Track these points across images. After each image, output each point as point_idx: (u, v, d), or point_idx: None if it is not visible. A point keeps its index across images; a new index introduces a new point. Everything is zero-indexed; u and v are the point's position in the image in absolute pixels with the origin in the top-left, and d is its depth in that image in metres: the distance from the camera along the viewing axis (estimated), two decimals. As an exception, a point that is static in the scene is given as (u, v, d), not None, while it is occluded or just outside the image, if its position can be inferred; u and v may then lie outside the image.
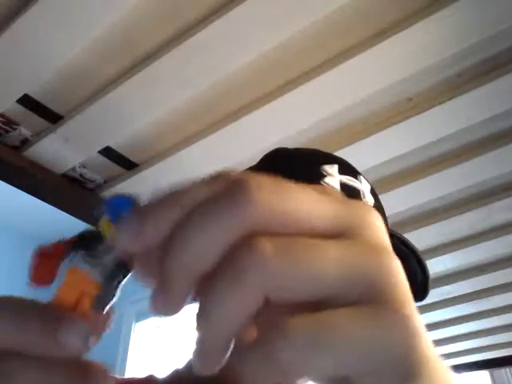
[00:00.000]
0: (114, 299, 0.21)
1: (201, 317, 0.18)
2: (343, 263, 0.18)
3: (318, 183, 0.48)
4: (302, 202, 0.18)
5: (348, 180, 0.51)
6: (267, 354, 0.17)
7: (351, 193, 0.49)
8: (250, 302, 0.17)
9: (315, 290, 0.17)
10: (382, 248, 0.19)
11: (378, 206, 0.53)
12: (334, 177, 0.50)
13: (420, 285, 0.51)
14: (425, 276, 0.51)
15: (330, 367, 0.17)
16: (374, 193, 0.54)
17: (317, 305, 0.18)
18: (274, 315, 0.18)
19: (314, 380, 0.19)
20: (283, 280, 0.17)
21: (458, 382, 0.20)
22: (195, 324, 0.18)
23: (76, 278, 0.21)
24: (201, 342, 0.18)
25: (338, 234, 0.19)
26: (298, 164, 0.52)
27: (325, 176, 0.49)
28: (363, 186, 0.53)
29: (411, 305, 0.18)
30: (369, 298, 0.18)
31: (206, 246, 0.17)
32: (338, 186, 0.49)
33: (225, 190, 0.18)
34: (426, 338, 0.18)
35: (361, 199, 0.50)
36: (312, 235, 0.18)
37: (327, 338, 0.16)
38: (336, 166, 0.52)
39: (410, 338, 0.17)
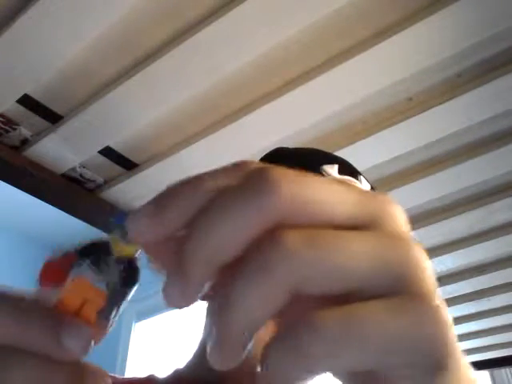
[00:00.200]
0: (120, 311, 0.21)
1: (223, 309, 0.17)
2: (371, 254, 0.17)
3: None
4: (325, 193, 0.18)
5: (348, 180, 0.51)
6: (296, 349, 0.16)
7: None
8: (275, 295, 0.17)
9: (343, 282, 0.17)
10: (407, 239, 0.19)
11: None
12: (334, 177, 0.50)
13: None
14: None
15: (360, 361, 0.16)
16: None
17: (345, 299, 0.17)
18: (302, 310, 0.17)
19: (339, 374, 0.19)
20: (311, 272, 0.17)
21: (477, 376, 0.20)
22: (212, 316, 0.18)
23: (80, 285, 0.21)
24: (221, 336, 0.18)
25: (362, 224, 0.19)
26: (298, 164, 0.52)
27: (324, 176, 0.49)
28: (363, 186, 0.53)
29: (438, 296, 0.18)
30: (397, 289, 0.17)
31: (229, 234, 0.17)
32: None
33: (248, 179, 0.18)
34: (453, 331, 0.18)
35: None
36: (336, 226, 0.18)
37: (358, 331, 0.16)
38: (336, 166, 0.52)
39: (439, 329, 0.17)
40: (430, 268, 0.19)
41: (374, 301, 0.17)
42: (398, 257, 0.18)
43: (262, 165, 0.19)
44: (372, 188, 0.55)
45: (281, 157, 0.57)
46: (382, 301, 0.17)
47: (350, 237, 0.18)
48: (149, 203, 0.19)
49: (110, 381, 0.21)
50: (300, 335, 0.16)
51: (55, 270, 0.21)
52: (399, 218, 0.20)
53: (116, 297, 0.21)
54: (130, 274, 0.21)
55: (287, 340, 0.17)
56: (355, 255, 0.17)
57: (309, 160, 0.54)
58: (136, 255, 0.21)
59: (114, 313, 0.21)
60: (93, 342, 0.20)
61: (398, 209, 0.20)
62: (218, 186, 0.18)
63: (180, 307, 0.19)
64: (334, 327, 0.16)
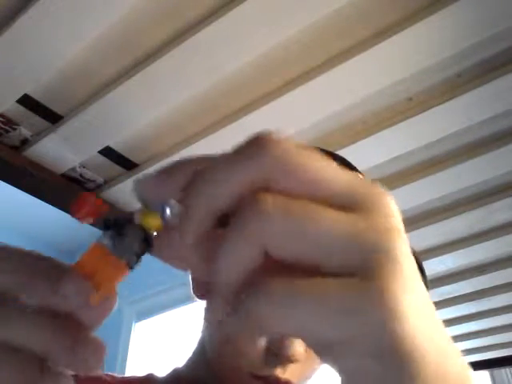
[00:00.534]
0: (135, 264, 0.23)
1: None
2: (343, 232, 0.18)
3: None
4: (319, 166, 0.19)
5: None
6: (245, 309, 0.17)
7: None
8: (247, 251, 0.18)
9: (310, 252, 0.18)
10: (389, 227, 0.19)
11: None
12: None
13: None
14: (423, 275, 0.51)
15: (304, 328, 0.17)
16: None
17: (313, 271, 0.18)
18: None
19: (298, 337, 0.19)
20: (279, 236, 0.18)
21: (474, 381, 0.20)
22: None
23: (100, 252, 0.22)
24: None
25: (348, 205, 0.19)
26: None
27: None
28: None
29: (410, 290, 0.18)
30: (362, 272, 0.17)
31: (221, 186, 0.19)
32: None
33: (245, 142, 0.20)
34: (419, 327, 0.17)
35: None
36: (321, 201, 0.19)
37: (301, 301, 0.17)
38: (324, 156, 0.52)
39: (389, 320, 0.17)
40: (406, 259, 0.18)
41: (331, 278, 0.17)
42: (372, 240, 0.18)
43: (259, 134, 0.20)
44: None
45: None
46: (339, 279, 0.17)
47: (327, 213, 0.18)
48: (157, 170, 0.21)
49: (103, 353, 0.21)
50: (250, 297, 0.18)
51: (91, 204, 0.23)
52: (391, 208, 0.20)
53: (138, 253, 0.22)
54: (145, 244, 0.22)
55: (241, 302, 0.18)
56: (325, 228, 0.18)
57: None
58: (156, 229, 0.22)
59: (131, 261, 0.22)
60: (92, 302, 0.20)
61: (389, 200, 0.20)
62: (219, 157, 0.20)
63: (173, 256, 0.21)
64: (280, 293, 0.17)
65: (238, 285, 0.19)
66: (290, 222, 0.18)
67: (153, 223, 0.22)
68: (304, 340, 0.18)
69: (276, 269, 0.18)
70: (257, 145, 0.19)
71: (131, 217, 0.22)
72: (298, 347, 0.42)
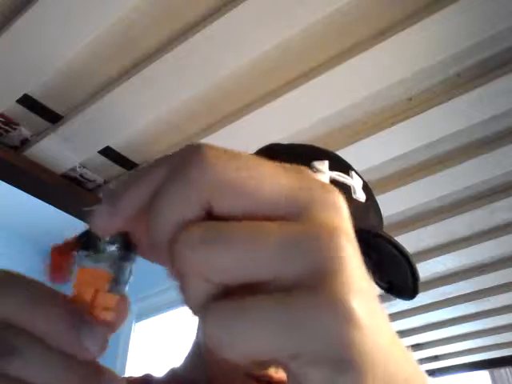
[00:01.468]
0: (129, 281, 0.22)
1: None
2: (282, 243, 0.17)
3: None
4: (256, 173, 0.18)
5: (338, 176, 0.51)
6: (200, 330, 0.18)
7: (341, 189, 0.49)
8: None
9: (249, 270, 0.17)
10: (332, 230, 0.18)
11: (371, 202, 0.53)
12: (323, 173, 0.50)
13: (410, 286, 0.51)
14: (414, 278, 0.51)
15: (254, 348, 0.17)
16: (366, 188, 0.54)
17: (255, 287, 0.18)
18: None
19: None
20: (222, 278, 0.18)
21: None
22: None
23: (86, 275, 0.22)
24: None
25: (292, 212, 0.18)
26: (287, 160, 0.52)
27: (314, 173, 0.49)
28: (354, 181, 0.52)
29: (358, 295, 0.17)
30: (308, 282, 0.17)
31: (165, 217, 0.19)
32: (328, 183, 0.48)
33: (179, 166, 0.19)
34: (371, 333, 0.17)
35: (351, 195, 0.50)
36: (263, 212, 0.18)
37: (248, 322, 0.17)
38: (326, 162, 0.52)
39: (339, 329, 0.17)
40: (352, 263, 0.18)
41: (277, 292, 0.17)
42: (314, 247, 0.17)
43: (193, 149, 0.19)
44: (365, 185, 0.55)
45: (272, 153, 0.57)
46: (284, 293, 0.17)
47: (265, 225, 0.18)
48: (104, 200, 0.20)
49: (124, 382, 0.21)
50: (201, 322, 0.18)
51: (61, 260, 0.22)
52: (336, 208, 0.19)
53: (122, 269, 0.22)
54: (126, 248, 0.22)
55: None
56: (263, 244, 0.17)
57: (298, 156, 0.54)
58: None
59: (124, 287, 0.22)
60: (112, 330, 0.21)
61: (338, 198, 0.20)
62: (158, 176, 0.20)
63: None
64: (227, 316, 0.17)
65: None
66: (226, 248, 0.17)
67: None
68: (258, 358, 0.18)
69: (221, 292, 0.18)
70: (190, 164, 0.19)
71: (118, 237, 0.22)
72: None
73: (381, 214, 0.55)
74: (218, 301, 0.18)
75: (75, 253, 0.22)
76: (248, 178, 0.18)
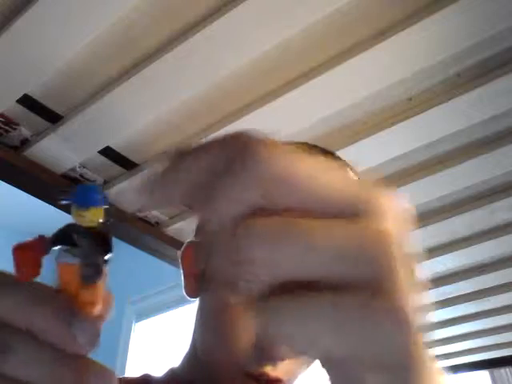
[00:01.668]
0: (104, 275, 0.22)
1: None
2: (348, 243, 0.17)
3: None
4: (313, 169, 0.18)
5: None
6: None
7: None
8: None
9: (307, 266, 0.17)
10: (392, 239, 0.18)
11: None
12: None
13: None
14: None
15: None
16: None
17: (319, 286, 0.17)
18: None
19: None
20: (285, 259, 0.17)
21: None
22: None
23: (68, 271, 0.22)
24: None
25: (349, 212, 0.18)
26: None
27: None
28: None
29: (409, 302, 0.18)
30: (366, 285, 0.17)
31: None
32: None
33: (238, 158, 0.19)
34: (418, 338, 0.18)
35: None
36: (320, 209, 0.18)
37: (312, 318, 0.17)
38: (320, 159, 0.51)
39: (400, 334, 0.17)
40: (406, 269, 0.18)
41: (338, 292, 0.17)
42: (374, 252, 0.17)
43: (249, 141, 0.19)
44: None
45: None
46: (348, 293, 0.17)
47: (330, 227, 0.17)
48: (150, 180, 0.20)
49: (116, 380, 0.21)
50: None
51: (30, 256, 0.22)
52: (390, 212, 0.19)
53: (96, 262, 0.22)
54: (102, 239, 0.22)
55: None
56: (324, 241, 0.17)
57: None
58: (100, 220, 0.22)
59: (98, 277, 0.22)
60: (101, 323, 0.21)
61: (391, 202, 0.20)
62: (209, 162, 0.19)
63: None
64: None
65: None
66: (288, 238, 0.17)
67: (91, 217, 0.22)
68: (312, 355, 0.18)
69: (281, 288, 0.18)
70: (247, 159, 0.18)
71: (73, 224, 0.22)
72: None
73: None
74: (277, 295, 0.17)
75: (46, 249, 0.22)
76: (306, 174, 0.18)
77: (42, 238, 0.22)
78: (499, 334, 2.09)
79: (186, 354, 0.53)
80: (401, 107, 1.07)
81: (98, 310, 0.22)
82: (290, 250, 0.17)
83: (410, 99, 1.05)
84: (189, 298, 0.51)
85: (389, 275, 0.17)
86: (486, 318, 1.96)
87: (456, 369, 2.38)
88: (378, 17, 0.87)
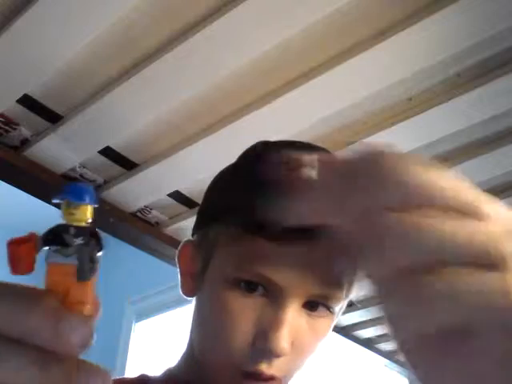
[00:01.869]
0: (95, 272, 0.22)
1: None
2: (477, 237, 0.20)
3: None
4: (440, 183, 0.23)
5: None
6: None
7: None
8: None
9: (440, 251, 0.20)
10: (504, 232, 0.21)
11: None
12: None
13: None
14: None
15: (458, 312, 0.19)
16: None
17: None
18: None
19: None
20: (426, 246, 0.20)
21: None
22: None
23: (57, 271, 0.22)
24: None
25: (469, 213, 0.22)
26: (272, 158, 0.52)
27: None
28: None
29: None
30: (496, 265, 0.20)
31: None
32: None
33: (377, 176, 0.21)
34: None
35: None
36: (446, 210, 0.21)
37: (463, 291, 0.19)
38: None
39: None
40: None
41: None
42: (494, 246, 0.20)
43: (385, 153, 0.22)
44: None
45: (258, 150, 0.56)
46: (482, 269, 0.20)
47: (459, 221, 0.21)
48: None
49: (110, 380, 0.21)
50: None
51: (24, 251, 0.22)
52: (499, 214, 0.22)
53: (87, 259, 0.22)
54: (93, 237, 0.23)
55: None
56: (457, 235, 0.20)
57: (286, 152, 0.53)
58: (90, 218, 0.23)
59: (90, 274, 0.22)
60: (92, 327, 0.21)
61: (499, 207, 0.23)
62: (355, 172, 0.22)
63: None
64: (446, 284, 0.20)
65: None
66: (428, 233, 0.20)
67: (81, 216, 0.22)
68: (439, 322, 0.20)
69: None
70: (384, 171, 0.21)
71: (63, 224, 0.22)
72: (283, 342, 0.43)
73: None
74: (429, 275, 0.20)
75: (38, 247, 0.22)
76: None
77: (34, 235, 0.22)
78: (499, 334, 2.09)
79: (183, 354, 0.53)
80: (401, 107, 1.07)
81: (88, 309, 0.22)
82: (432, 238, 0.20)
83: (410, 99, 1.05)
84: (185, 296, 0.51)
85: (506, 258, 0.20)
86: (485, 318, 1.96)
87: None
88: (378, 17, 0.87)
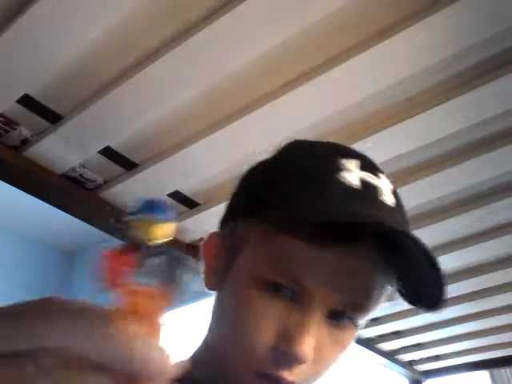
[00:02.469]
0: (186, 285, 0.22)
1: None
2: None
3: (335, 176, 0.47)
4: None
5: (368, 177, 0.48)
6: None
7: (369, 190, 0.48)
8: None
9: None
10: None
11: (399, 208, 0.52)
12: (352, 172, 0.48)
13: (434, 295, 0.49)
14: (440, 287, 0.47)
15: None
16: (395, 194, 0.53)
17: None
18: None
19: None
20: None
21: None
22: None
23: (140, 292, 0.21)
24: None
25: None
26: (314, 157, 0.51)
27: (342, 170, 0.48)
28: (383, 183, 0.51)
29: None
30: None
31: None
32: (357, 182, 0.47)
33: None
34: None
35: (379, 197, 0.48)
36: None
37: None
38: (356, 161, 0.50)
39: None
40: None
41: None
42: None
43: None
44: (395, 190, 0.53)
45: (297, 149, 0.56)
46: None
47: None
48: None
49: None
50: None
51: (119, 266, 0.21)
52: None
53: (175, 278, 0.21)
54: (175, 259, 0.22)
55: None
56: None
57: (326, 153, 0.53)
58: (169, 237, 0.22)
59: (182, 288, 0.22)
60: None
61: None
62: None
63: None
64: None
65: None
66: None
67: (162, 233, 0.21)
68: None
69: None
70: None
71: (143, 241, 0.21)
72: (308, 347, 0.42)
73: (408, 223, 0.53)
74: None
75: (131, 261, 0.21)
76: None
77: (130, 250, 0.21)
78: (499, 334, 2.09)
79: (196, 350, 0.52)
80: (401, 107, 1.07)
81: (162, 330, 0.21)
82: None
83: (410, 99, 1.05)
84: (208, 290, 0.50)
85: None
86: (486, 318, 1.96)
87: (456, 369, 2.38)
88: (378, 17, 0.87)
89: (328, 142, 0.56)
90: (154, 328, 0.20)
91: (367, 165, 0.51)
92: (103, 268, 0.21)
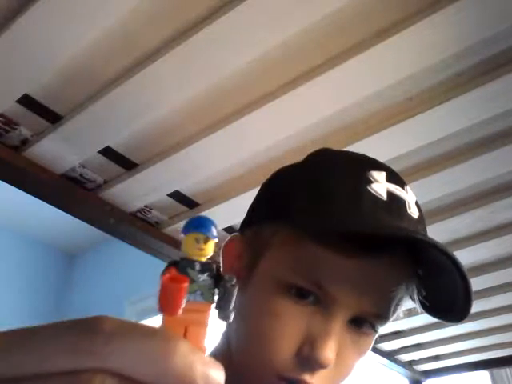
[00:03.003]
0: (233, 301, 0.22)
1: None
2: None
3: (365, 188, 0.47)
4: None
5: (395, 189, 0.49)
6: None
7: (397, 203, 0.48)
8: None
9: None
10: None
11: (421, 220, 0.52)
12: (381, 183, 0.49)
13: (460, 305, 0.49)
14: (467, 296, 0.47)
15: None
16: (417, 205, 0.53)
17: None
18: None
19: None
20: None
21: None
22: None
23: (189, 309, 0.21)
24: None
25: None
26: (344, 167, 0.51)
27: (372, 182, 0.48)
28: (409, 196, 0.51)
29: None
30: None
31: None
32: (384, 194, 0.48)
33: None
34: None
35: (406, 210, 0.49)
36: None
37: None
38: (384, 173, 0.50)
39: None
40: None
41: None
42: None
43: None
44: (417, 202, 0.53)
45: (326, 156, 0.56)
46: None
47: None
48: None
49: None
50: None
51: (177, 295, 0.21)
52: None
53: (221, 300, 0.22)
54: (218, 275, 0.22)
55: None
56: None
57: (355, 164, 0.53)
58: (211, 254, 0.22)
59: (230, 304, 0.22)
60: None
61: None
62: None
63: None
64: None
65: None
66: None
67: (208, 251, 0.21)
68: None
69: None
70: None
71: (188, 259, 0.21)
72: (330, 352, 0.42)
73: (426, 228, 0.53)
74: None
75: (186, 284, 0.21)
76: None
77: (184, 276, 0.21)
78: (499, 334, 2.09)
79: (214, 349, 0.52)
80: (401, 107, 1.07)
81: (205, 349, 0.20)
82: None
83: (410, 99, 1.05)
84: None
85: None
86: (485, 318, 1.96)
87: (456, 369, 2.38)
88: (378, 17, 0.87)
89: (355, 153, 0.57)
90: (202, 348, 0.20)
91: (393, 177, 0.52)
92: (164, 299, 0.21)
